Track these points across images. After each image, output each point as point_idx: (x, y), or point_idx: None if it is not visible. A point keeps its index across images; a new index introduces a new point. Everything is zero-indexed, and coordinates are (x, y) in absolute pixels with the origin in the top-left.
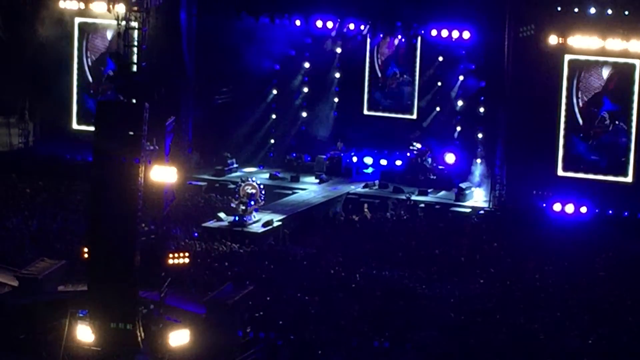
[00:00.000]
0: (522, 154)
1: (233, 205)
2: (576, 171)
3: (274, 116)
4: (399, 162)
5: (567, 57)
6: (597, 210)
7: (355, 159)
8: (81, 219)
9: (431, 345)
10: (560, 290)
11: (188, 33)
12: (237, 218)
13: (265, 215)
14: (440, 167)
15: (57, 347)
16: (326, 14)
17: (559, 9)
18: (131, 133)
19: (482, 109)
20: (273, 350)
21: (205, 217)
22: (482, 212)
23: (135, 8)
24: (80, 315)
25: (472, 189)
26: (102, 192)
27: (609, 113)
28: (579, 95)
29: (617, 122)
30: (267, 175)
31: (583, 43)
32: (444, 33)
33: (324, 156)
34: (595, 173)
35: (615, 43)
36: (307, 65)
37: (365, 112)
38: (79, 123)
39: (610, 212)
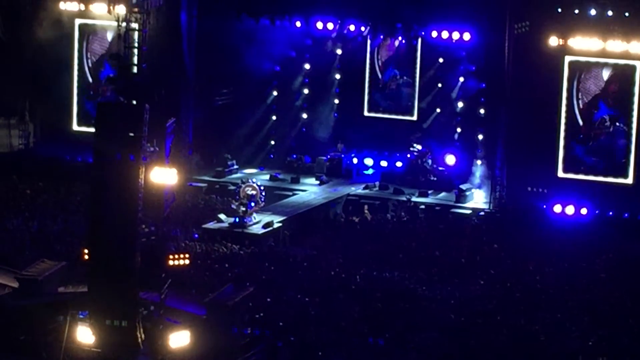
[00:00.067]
0: (522, 156)
1: (233, 206)
2: (576, 172)
3: (274, 117)
4: (399, 164)
5: (568, 59)
6: (597, 212)
7: (355, 161)
8: (81, 220)
9: (431, 346)
10: (560, 292)
11: (188, 34)
12: (237, 219)
13: (266, 216)
14: (440, 168)
15: (57, 348)
16: (326, 15)
17: (560, 10)
18: (131, 134)
19: (482, 111)
20: (273, 352)
21: (206, 219)
22: (482, 213)
23: (136, 9)
24: (81, 316)
25: (473, 190)
26: (103, 193)
27: (609, 114)
28: (579, 97)
29: (617, 124)
30: (267, 177)
31: (583, 44)
32: (444, 34)
33: (325, 157)
34: (596, 174)
35: (615, 44)
36: (307, 66)
37: (366, 113)
38: (79, 124)
39: (611, 213)
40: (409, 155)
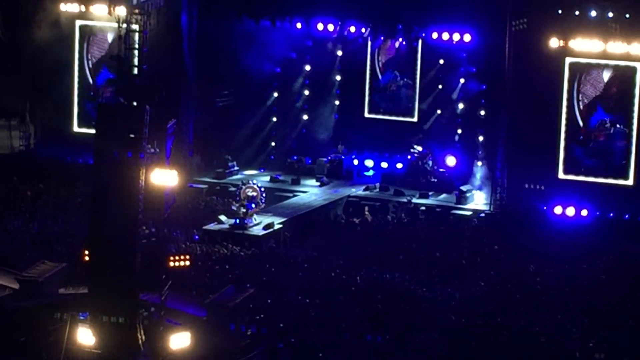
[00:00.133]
0: (522, 157)
1: (234, 207)
2: (577, 174)
3: (274, 119)
4: (399, 165)
5: (568, 60)
6: (597, 213)
7: (356, 162)
8: (82, 221)
9: (432, 347)
10: (561, 293)
11: (189, 36)
12: (237, 221)
13: (266, 217)
14: (441, 169)
15: (58, 349)
16: (327, 16)
17: (560, 11)
18: (132, 135)
19: (482, 112)
20: (274, 353)
21: (206, 220)
22: (482, 214)
23: (136, 11)
24: (81, 317)
25: (473, 191)
26: (103, 194)
27: (609, 116)
28: (580, 98)
29: (617, 125)
30: (267, 178)
31: (584, 46)
32: (445, 36)
33: (325, 159)
34: (596, 176)
35: (616, 46)
36: (307, 68)
37: (366, 114)
38: (79, 126)
39: (611, 215)
40: (409, 157)
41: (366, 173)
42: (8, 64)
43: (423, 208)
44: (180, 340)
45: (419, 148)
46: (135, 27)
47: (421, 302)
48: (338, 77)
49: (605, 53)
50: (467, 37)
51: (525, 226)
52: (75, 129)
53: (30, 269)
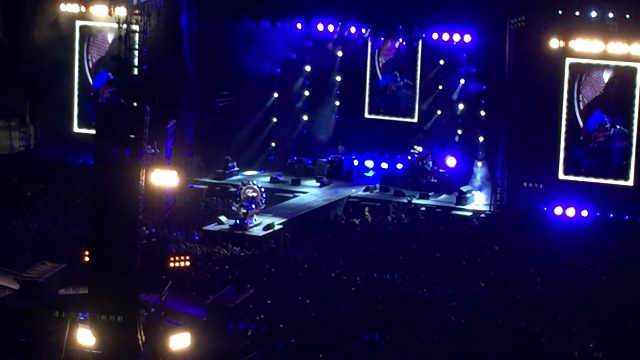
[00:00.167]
0: (523, 158)
1: (234, 208)
2: (577, 175)
3: (275, 119)
4: (400, 166)
5: (568, 61)
6: (598, 214)
7: (356, 163)
8: (82, 222)
9: (432, 348)
10: (561, 294)
11: (189, 36)
12: (238, 221)
13: (266, 218)
14: (441, 170)
15: (58, 350)
16: (327, 17)
17: (560, 12)
18: (132, 136)
19: (483, 113)
20: (274, 354)
21: (206, 221)
22: (483, 215)
23: (137, 11)
24: (81, 318)
25: (473, 192)
26: (103, 195)
27: (609, 117)
28: (580, 99)
29: (617, 126)
30: (268, 179)
31: (584, 46)
32: (445, 36)
33: (325, 159)
34: (596, 177)
35: (616, 46)
36: (308, 68)
37: (366, 115)
38: (80, 126)
39: (612, 215)
40: (409, 158)
41: (366, 174)
42: (8, 64)
43: (423, 209)
44: (180, 340)
45: (419, 149)
46: (135, 27)
47: (421, 303)
48: (338, 78)
49: (605, 54)
50: (467, 38)
51: (525, 227)
52: (76, 129)
53: (30, 269)
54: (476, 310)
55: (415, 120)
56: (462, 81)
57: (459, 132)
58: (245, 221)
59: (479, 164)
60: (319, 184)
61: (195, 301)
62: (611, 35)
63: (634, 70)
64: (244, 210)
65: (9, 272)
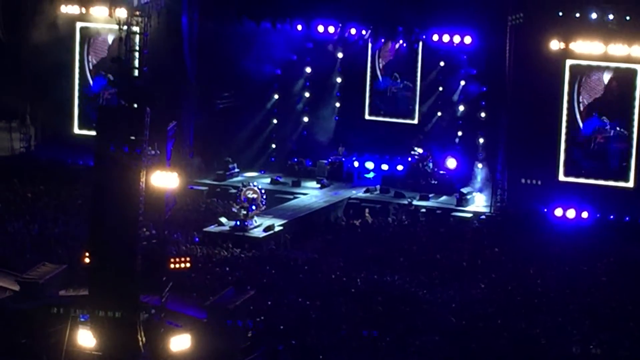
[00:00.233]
0: (523, 159)
1: (234, 209)
2: (577, 176)
3: (275, 121)
4: (400, 167)
5: (569, 62)
6: (598, 216)
7: (356, 164)
8: (82, 223)
9: (432, 349)
10: (561, 295)
11: (189, 38)
12: (238, 223)
13: (267, 219)
14: (441, 172)
15: (59, 351)
16: (327, 18)
17: (561, 13)
18: (133, 138)
19: (483, 114)
20: (274, 355)
21: (207, 222)
22: (483, 217)
23: (137, 13)
24: (82, 319)
25: (474, 193)
26: (104, 196)
27: (610, 118)
28: (580, 100)
29: (618, 128)
30: (268, 180)
31: (584, 48)
32: (446, 38)
33: (325, 161)
34: (597, 178)
35: (617, 48)
36: (308, 70)
37: (367, 116)
38: (80, 127)
39: (612, 217)
40: (409, 159)
41: (367, 175)
42: (8, 65)
43: (423, 210)
44: (180, 342)
45: (420, 150)
46: (135, 29)
47: (422, 304)
48: (339, 79)
49: (606, 55)
50: (467, 39)
51: (525, 228)
52: (76, 130)
53: (30, 270)
54: (476, 312)
55: (415, 121)
56: (463, 83)
57: (459, 133)
58: (246, 222)
59: (479, 165)
60: (319, 185)
61: (195, 302)
62: (612, 36)
63: (634, 72)
64: (244, 212)
65: (9, 273)
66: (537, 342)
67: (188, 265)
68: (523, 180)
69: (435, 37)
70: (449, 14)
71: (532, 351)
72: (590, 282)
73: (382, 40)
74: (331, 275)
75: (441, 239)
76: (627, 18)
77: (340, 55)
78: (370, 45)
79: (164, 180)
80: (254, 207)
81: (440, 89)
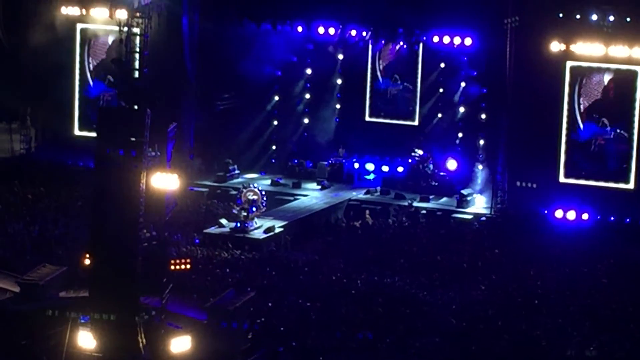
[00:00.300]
0: (523, 160)
1: (234, 211)
2: (578, 178)
3: (275, 122)
4: (400, 169)
5: (569, 64)
6: (598, 217)
7: (356, 165)
8: (83, 225)
9: (433, 351)
10: (562, 297)
11: (190, 39)
12: (238, 224)
13: (267, 221)
14: (441, 173)
15: (59, 353)
16: (328, 20)
17: (561, 15)
18: (133, 139)
19: (483, 116)
20: (274, 357)
21: (207, 223)
22: (483, 218)
23: (137, 14)
24: (82, 321)
25: (474, 195)
26: (104, 198)
27: (610, 120)
28: (581, 102)
29: (618, 129)
30: (268, 182)
31: (585, 49)
32: (446, 39)
33: (326, 162)
34: (597, 179)
35: (617, 50)
36: (308, 71)
37: (367, 118)
38: (80, 129)
39: (612, 218)
40: (410, 160)
41: (367, 176)
42: (9, 67)
43: (424, 212)
44: (181, 343)
45: (420, 152)
46: (136, 30)
47: (422, 306)
48: (339, 81)
49: (606, 57)
50: (468, 41)
51: (526, 230)
52: (76, 132)
53: (31, 272)
54: (477, 313)
55: (416, 123)
56: (463, 84)
57: (460, 135)
58: (246, 224)
59: (480, 166)
60: (319, 186)
61: (195, 304)
62: (612, 38)
63: (635, 73)
64: (245, 213)
65: (9, 274)
66: (537, 344)
67: (188, 266)
68: (518, 183)
69: (436, 39)
70: (449, 16)
71: (532, 353)
72: (591, 283)
73: (383, 41)
74: (331, 276)
75: (441, 241)
76: (628, 19)
77: (340, 56)
78: (370, 46)
79: (165, 181)
80: (254, 209)
81: (441, 90)
